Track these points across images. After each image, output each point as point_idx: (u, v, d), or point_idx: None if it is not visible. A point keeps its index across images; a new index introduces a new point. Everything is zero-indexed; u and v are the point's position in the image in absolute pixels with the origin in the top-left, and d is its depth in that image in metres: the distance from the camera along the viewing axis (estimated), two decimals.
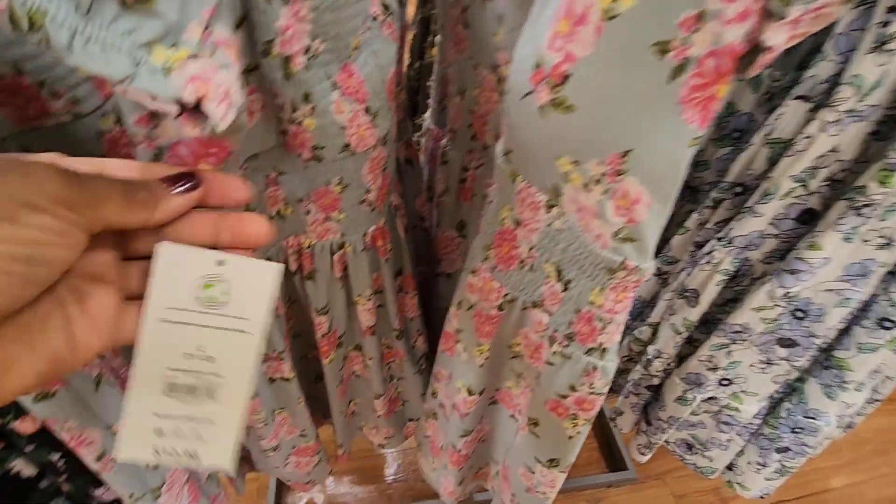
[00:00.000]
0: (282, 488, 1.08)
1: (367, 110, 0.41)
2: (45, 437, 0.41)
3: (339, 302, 0.56)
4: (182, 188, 0.25)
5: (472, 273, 0.45)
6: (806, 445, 0.63)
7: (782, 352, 0.57)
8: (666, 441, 0.75)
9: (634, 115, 0.25)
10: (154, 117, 0.28)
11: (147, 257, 0.26)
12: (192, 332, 0.27)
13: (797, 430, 0.62)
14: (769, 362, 0.58)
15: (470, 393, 0.53)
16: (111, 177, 0.23)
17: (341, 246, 0.50)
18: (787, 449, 0.64)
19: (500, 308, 0.44)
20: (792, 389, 0.62)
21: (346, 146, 0.42)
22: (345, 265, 0.52)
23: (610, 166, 0.27)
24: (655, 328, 0.65)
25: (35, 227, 0.20)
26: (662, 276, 0.65)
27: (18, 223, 0.19)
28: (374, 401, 0.72)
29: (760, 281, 0.53)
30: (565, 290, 0.37)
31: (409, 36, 0.94)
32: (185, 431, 0.28)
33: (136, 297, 0.26)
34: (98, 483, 0.46)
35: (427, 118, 0.64)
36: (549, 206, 0.34)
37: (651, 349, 0.65)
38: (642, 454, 0.76)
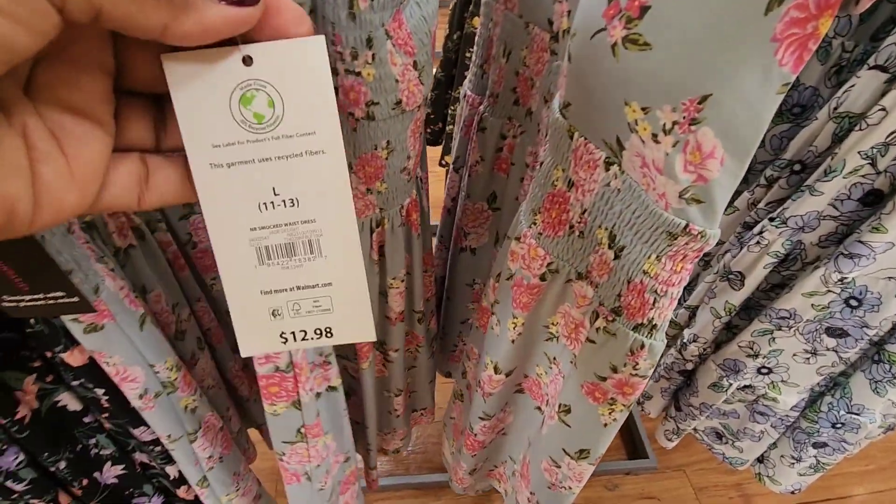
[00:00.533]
0: None
1: (414, 65, 0.40)
2: (91, 373, 0.41)
3: (373, 290, 0.53)
4: None
5: (515, 240, 0.43)
6: (845, 442, 0.61)
7: (830, 342, 0.54)
8: (694, 429, 0.73)
9: (719, 53, 0.23)
10: None
11: (156, 97, 0.20)
12: (254, 172, 0.20)
13: (838, 425, 0.59)
14: (814, 352, 0.56)
15: (496, 371, 0.51)
16: None
17: (380, 223, 0.48)
18: (824, 444, 0.62)
19: (543, 278, 0.42)
20: (834, 383, 0.59)
21: (399, 103, 0.40)
22: (381, 244, 0.50)
23: (685, 113, 0.25)
24: (693, 311, 0.63)
25: None
26: (704, 258, 0.63)
27: None
28: (393, 399, 0.67)
29: (813, 265, 0.51)
30: (617, 258, 0.35)
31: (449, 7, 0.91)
32: (303, 305, 0.22)
33: (131, 149, 0.20)
34: (138, 423, 0.46)
35: (465, 86, 0.62)
36: (608, 164, 0.32)
37: (687, 333, 0.63)
38: (669, 440, 0.74)
